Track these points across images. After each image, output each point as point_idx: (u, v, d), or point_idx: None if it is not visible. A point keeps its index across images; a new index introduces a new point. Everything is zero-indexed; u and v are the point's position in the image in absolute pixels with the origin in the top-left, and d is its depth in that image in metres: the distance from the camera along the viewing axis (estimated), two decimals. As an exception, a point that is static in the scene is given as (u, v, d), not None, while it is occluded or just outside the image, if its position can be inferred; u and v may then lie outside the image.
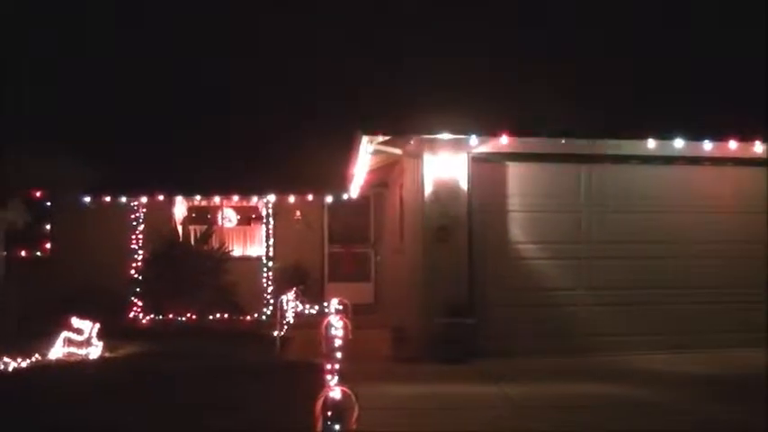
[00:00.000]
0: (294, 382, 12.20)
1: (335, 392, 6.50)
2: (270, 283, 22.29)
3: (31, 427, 10.20)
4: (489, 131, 14.59)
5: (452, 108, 14.59)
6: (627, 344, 14.90)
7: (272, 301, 21.64)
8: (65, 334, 16.63)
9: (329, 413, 6.32)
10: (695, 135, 14.82)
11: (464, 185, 15.06)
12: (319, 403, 6.41)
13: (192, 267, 21.75)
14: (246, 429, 9.50)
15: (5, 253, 19.20)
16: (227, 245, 23.68)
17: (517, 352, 14.49)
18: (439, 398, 11.44)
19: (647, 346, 14.85)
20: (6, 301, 18.04)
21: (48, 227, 24.03)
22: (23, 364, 15.61)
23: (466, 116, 14.54)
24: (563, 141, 14.71)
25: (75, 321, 16.69)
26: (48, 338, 16.79)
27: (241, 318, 21.57)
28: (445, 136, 14.51)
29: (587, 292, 15.40)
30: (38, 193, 23.92)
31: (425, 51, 17.61)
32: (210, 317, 21.35)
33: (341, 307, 13.27)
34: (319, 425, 6.35)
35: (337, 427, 6.22)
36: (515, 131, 14.44)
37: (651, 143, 14.71)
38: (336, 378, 7.18)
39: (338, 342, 8.66)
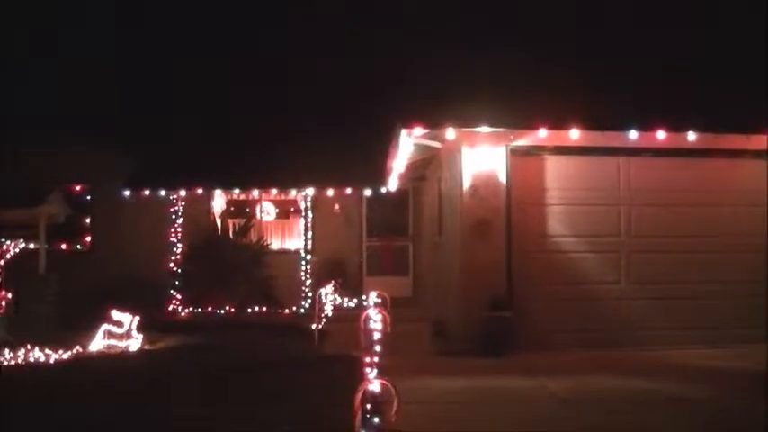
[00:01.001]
0: (333, 375, 12.21)
1: (375, 385, 6.48)
2: (308, 276, 22.34)
3: (77, 419, 10.24)
4: (528, 124, 14.51)
5: (491, 101, 14.52)
6: (667, 338, 14.78)
7: (310, 295, 21.69)
8: (105, 326, 16.76)
9: (368, 406, 6.30)
10: (738, 128, 14.66)
11: (503, 179, 15.00)
12: (359, 396, 6.40)
13: (231, 261, 21.86)
14: (287, 420, 9.50)
15: (46, 246, 19.30)
16: (265, 238, 23.78)
17: (557, 346, 14.42)
18: (479, 391, 11.40)
19: (687, 341, 14.71)
20: (47, 294, 18.16)
21: (87, 220, 24.20)
22: (65, 356, 15.74)
23: (505, 109, 14.47)
24: (602, 134, 14.59)
25: (115, 314, 16.80)
26: (88, 331, 16.92)
27: (279, 311, 21.65)
28: (484, 129, 14.45)
29: (626, 286, 15.31)
30: (77, 187, 24.08)
31: (465, 44, 17.52)
32: (249, 310, 21.44)
33: (380, 300, 13.26)
34: (359, 418, 6.34)
35: (376, 420, 6.20)
36: (554, 124, 14.36)
37: (691, 136, 14.56)
38: (376, 371, 7.15)
39: (377, 335, 8.63)
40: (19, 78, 24.13)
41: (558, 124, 14.34)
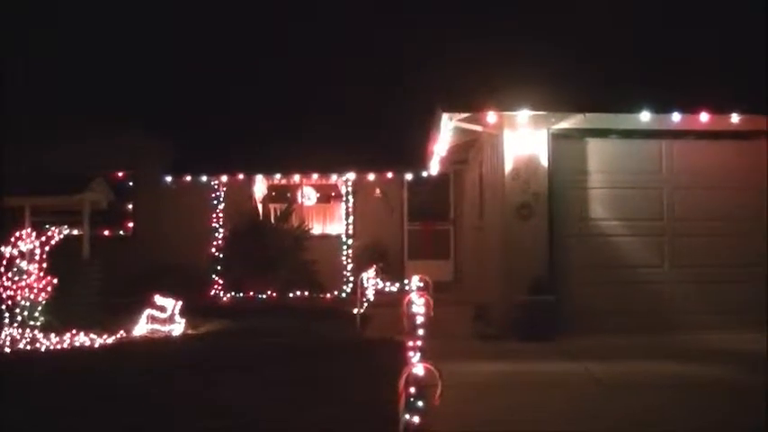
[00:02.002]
0: (375, 359, 12.24)
1: (419, 369, 6.49)
2: (349, 260, 22.38)
3: (130, 403, 10.32)
4: (570, 107, 14.45)
5: (533, 84, 14.45)
6: (711, 322, 14.60)
7: (351, 279, 21.74)
8: (148, 311, 16.88)
9: (412, 389, 6.32)
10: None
11: (544, 162, 14.95)
12: (403, 380, 6.41)
13: (272, 245, 21.93)
14: (331, 404, 9.53)
15: (90, 233, 19.46)
16: (306, 223, 23.84)
17: (599, 330, 14.32)
18: (522, 375, 11.37)
19: (731, 325, 14.53)
20: (91, 280, 18.29)
21: (130, 206, 24.37)
22: (109, 341, 15.88)
23: (546, 92, 14.40)
24: (643, 117, 14.48)
25: (159, 299, 16.91)
26: (131, 316, 17.05)
27: (320, 296, 21.71)
28: (525, 112, 14.40)
29: (669, 270, 15.20)
30: (120, 174, 24.24)
31: (506, 27, 17.47)
32: (290, 295, 21.51)
33: (422, 284, 13.28)
34: (402, 401, 6.35)
35: (420, 403, 6.22)
36: (596, 107, 14.28)
37: (735, 118, 14.43)
38: (419, 355, 7.16)
39: (420, 319, 8.64)
40: (62, 65, 24.30)
41: (600, 107, 14.27)
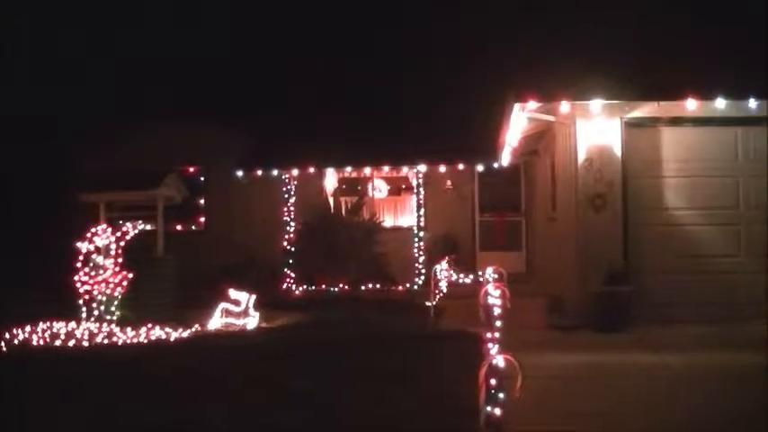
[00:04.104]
0: (451, 351, 12.23)
1: (499, 361, 6.48)
2: (421, 253, 22.35)
3: (213, 396, 10.43)
4: (643, 96, 14.33)
5: (605, 73, 14.34)
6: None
7: (423, 271, 21.71)
8: (222, 305, 17.02)
9: (493, 381, 6.30)
10: None
11: (618, 151, 14.87)
12: (483, 371, 6.40)
13: (344, 238, 21.93)
14: (409, 396, 9.55)
15: (163, 228, 19.66)
16: (377, 215, 23.82)
17: (675, 320, 14.22)
18: (599, 367, 11.33)
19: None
20: (165, 274, 18.49)
21: (201, 201, 24.57)
22: (184, 334, 16.05)
23: (619, 81, 14.28)
24: (718, 104, 14.30)
25: (233, 293, 17.04)
26: (205, 310, 17.21)
27: (393, 288, 21.67)
28: (598, 101, 14.31)
29: (746, 259, 15.00)
30: (191, 169, 24.45)
31: (578, 16, 17.34)
32: (362, 287, 21.49)
33: (497, 276, 13.24)
34: (483, 393, 6.34)
35: (501, 395, 6.20)
36: (670, 95, 14.14)
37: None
38: (497, 347, 7.14)
39: (497, 311, 8.62)
40: (134, 61, 24.57)
41: (674, 95, 14.12)
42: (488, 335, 7.60)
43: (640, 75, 14.46)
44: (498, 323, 8.26)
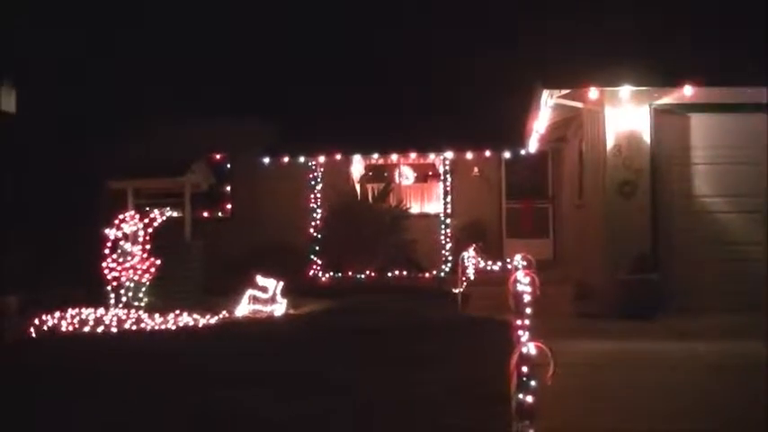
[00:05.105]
0: (480, 338, 12.25)
1: (530, 348, 6.46)
2: (448, 239, 22.33)
3: (244, 377, 10.48)
4: (672, 82, 14.25)
5: (634, 59, 14.26)
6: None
7: (450, 258, 21.70)
8: (250, 292, 17.08)
9: (524, 369, 6.28)
10: None
11: (647, 138, 14.81)
12: (514, 359, 6.38)
13: (370, 225, 21.95)
14: (439, 383, 9.55)
15: (191, 215, 19.74)
16: (404, 202, 23.82)
17: (703, 308, 14.12)
18: (628, 355, 11.30)
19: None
20: (193, 261, 18.58)
21: (228, 188, 24.61)
22: (212, 321, 16.11)
23: (648, 67, 14.20)
24: (749, 90, 14.21)
25: (260, 279, 17.10)
26: (232, 296, 17.28)
27: (419, 275, 21.69)
28: (627, 88, 14.25)
29: (776, 247, 14.91)
30: (218, 156, 24.48)
31: (606, 1, 17.24)
32: (389, 274, 21.52)
33: (525, 263, 13.19)
34: (514, 381, 6.32)
35: (533, 382, 6.18)
36: (699, 81, 14.04)
37: None
38: (528, 334, 7.12)
39: (527, 298, 8.59)
40: (161, 50, 24.59)
41: (704, 81, 14.02)
42: (518, 322, 7.57)
43: (670, 61, 14.38)
44: (528, 310, 8.22)
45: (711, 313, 13.90)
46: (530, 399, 6.08)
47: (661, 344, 12.01)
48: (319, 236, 22.60)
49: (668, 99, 14.80)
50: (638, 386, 9.47)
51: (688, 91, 14.14)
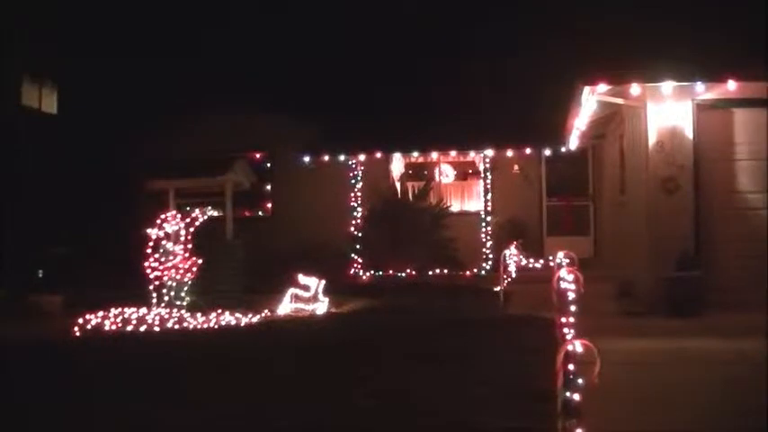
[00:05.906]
0: (523, 336, 12.18)
1: (576, 346, 6.41)
2: (488, 237, 22.30)
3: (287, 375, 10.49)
4: (715, 77, 14.14)
5: (676, 54, 14.16)
6: None
7: (490, 256, 21.67)
8: (292, 290, 17.10)
9: (570, 367, 6.23)
10: None
11: (689, 134, 14.72)
12: (560, 357, 6.34)
13: (411, 223, 21.95)
14: (483, 382, 9.50)
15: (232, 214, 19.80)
16: (444, 200, 23.79)
17: (747, 306, 13.90)
18: (673, 353, 11.20)
19: None
20: (234, 260, 18.63)
21: (268, 187, 24.68)
22: (254, 320, 16.14)
23: (690, 62, 14.10)
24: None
25: (302, 278, 17.12)
26: (274, 295, 17.31)
27: (460, 273, 21.66)
28: (669, 83, 14.15)
29: (821, 244, 14.73)
30: (258, 155, 24.56)
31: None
32: (429, 272, 21.50)
33: (568, 260, 13.11)
34: (561, 379, 6.28)
35: (580, 381, 6.14)
36: (743, 76, 13.92)
37: None
38: (572, 332, 7.08)
39: (571, 295, 8.53)
40: (204, 49, 24.73)
41: (748, 75, 13.89)
42: (563, 320, 7.54)
43: (712, 55, 14.26)
44: (572, 308, 8.17)
45: (756, 311, 13.72)
46: (576, 397, 6.04)
47: (706, 342, 11.91)
48: (360, 234, 22.65)
49: (711, 94, 14.70)
50: (685, 385, 9.40)
51: (731, 86, 14.04)
